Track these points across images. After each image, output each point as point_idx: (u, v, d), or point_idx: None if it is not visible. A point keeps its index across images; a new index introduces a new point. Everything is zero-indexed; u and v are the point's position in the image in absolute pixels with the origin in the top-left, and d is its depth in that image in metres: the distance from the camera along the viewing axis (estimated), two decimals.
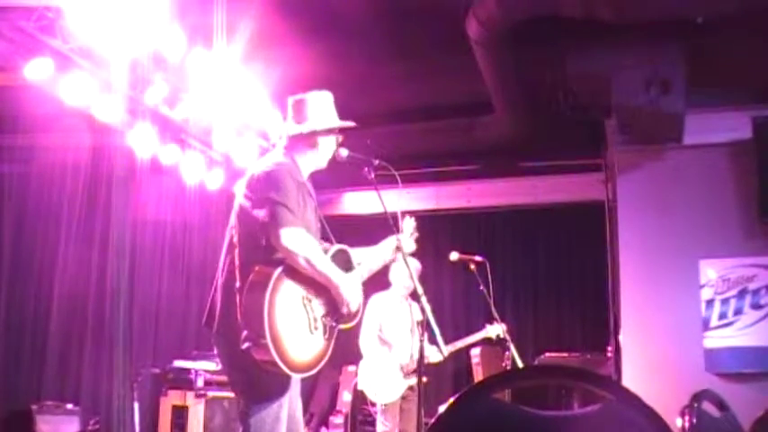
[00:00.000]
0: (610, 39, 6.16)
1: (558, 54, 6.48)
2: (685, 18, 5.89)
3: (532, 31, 6.10)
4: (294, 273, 3.27)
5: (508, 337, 5.59)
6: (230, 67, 5.99)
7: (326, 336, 3.38)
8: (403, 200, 3.76)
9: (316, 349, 3.32)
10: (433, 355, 5.65)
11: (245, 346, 3.13)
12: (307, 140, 3.58)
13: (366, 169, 3.69)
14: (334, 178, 7.41)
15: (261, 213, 3.30)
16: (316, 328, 3.33)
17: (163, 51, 5.66)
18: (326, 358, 3.38)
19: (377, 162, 3.70)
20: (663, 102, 6.17)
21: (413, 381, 5.78)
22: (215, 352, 3.55)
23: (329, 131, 3.61)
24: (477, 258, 5.65)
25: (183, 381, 6.91)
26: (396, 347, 5.98)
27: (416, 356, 5.93)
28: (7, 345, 6.57)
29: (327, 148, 3.62)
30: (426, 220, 9.05)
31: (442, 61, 7.04)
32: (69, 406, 6.52)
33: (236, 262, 3.32)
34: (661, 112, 6.26)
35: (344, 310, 3.42)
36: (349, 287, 3.42)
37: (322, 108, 3.61)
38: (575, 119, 7.42)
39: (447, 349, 5.63)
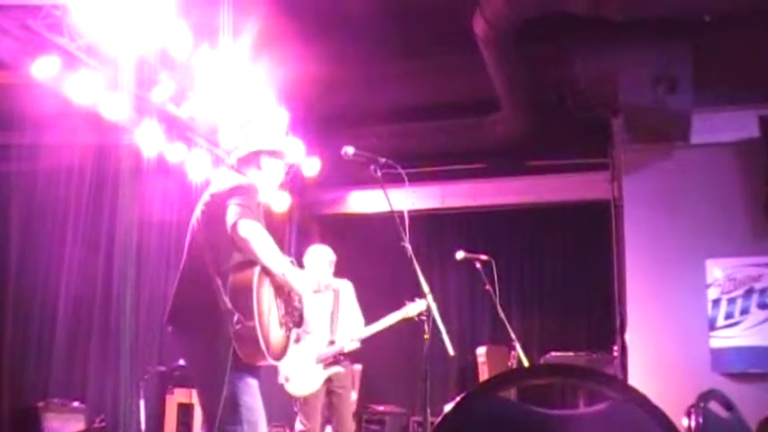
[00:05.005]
0: (617, 37, 6.15)
1: (565, 52, 6.47)
2: (692, 16, 5.87)
3: (539, 30, 6.10)
4: (266, 272, 3.37)
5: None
6: (236, 65, 5.99)
7: (287, 333, 3.52)
8: (409, 199, 3.75)
9: (283, 343, 3.48)
10: (348, 344, 5.45)
11: (237, 328, 3.19)
12: (251, 161, 3.63)
13: (372, 167, 3.70)
14: (339, 176, 7.43)
15: (225, 217, 3.32)
16: (282, 325, 3.47)
17: (169, 50, 5.68)
18: (286, 355, 3.51)
19: (383, 160, 3.70)
20: (670, 100, 6.16)
21: (333, 370, 5.42)
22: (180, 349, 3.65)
23: (272, 153, 3.64)
24: (483, 257, 5.62)
25: (189, 379, 6.91)
26: (313, 336, 5.54)
27: (337, 347, 5.64)
28: (14, 342, 6.59)
29: (273, 171, 3.67)
30: (432, 219, 9.18)
31: (449, 60, 7.03)
32: (75, 404, 6.55)
33: (203, 266, 3.37)
34: (668, 111, 6.25)
35: (297, 303, 3.54)
36: (300, 279, 3.49)
37: (268, 130, 3.68)
38: (581, 117, 7.42)
39: (366, 330, 5.44)
